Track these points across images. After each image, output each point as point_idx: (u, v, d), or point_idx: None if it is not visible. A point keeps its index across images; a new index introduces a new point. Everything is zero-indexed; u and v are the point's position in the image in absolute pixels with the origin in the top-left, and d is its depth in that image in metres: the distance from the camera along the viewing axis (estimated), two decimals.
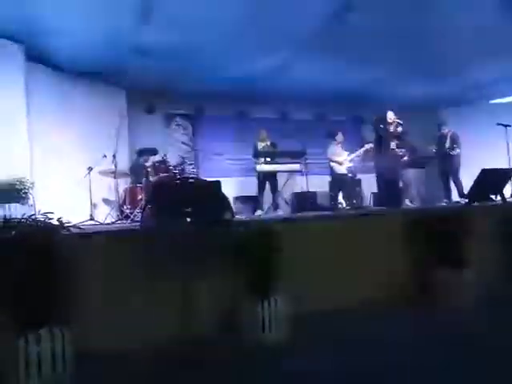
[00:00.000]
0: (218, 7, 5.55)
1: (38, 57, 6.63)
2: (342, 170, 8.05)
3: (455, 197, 7.82)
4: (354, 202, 8.32)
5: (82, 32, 6.07)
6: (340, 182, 8.11)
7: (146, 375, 2.86)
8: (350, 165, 8.27)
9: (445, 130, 8.04)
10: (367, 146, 8.15)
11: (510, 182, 5.98)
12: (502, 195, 5.77)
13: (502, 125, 6.97)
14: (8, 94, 5.93)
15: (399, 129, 6.51)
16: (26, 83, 6.28)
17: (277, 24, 6.10)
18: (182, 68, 7.62)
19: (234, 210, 8.36)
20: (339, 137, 8.24)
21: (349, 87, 8.99)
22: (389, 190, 6.35)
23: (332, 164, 8.08)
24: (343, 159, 8.08)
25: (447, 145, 7.87)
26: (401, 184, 7.00)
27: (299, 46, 6.84)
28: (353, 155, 8.26)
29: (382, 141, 6.59)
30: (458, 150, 7.78)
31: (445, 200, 7.62)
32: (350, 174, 8.41)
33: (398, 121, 6.55)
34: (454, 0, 5.76)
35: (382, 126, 6.58)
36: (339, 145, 8.23)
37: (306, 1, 5.57)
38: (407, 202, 7.46)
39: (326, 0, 5.57)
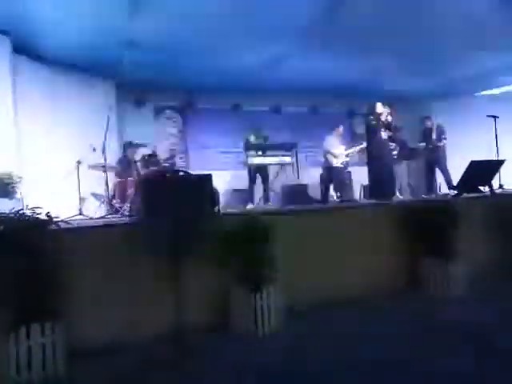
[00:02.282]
0: None
1: (25, 49, 6.52)
2: (336, 162, 8.07)
3: (444, 189, 7.90)
4: (344, 194, 8.36)
5: (70, 24, 5.97)
6: (332, 174, 8.13)
7: (138, 368, 2.86)
8: (347, 159, 8.28)
9: (428, 124, 8.08)
10: (363, 146, 8.17)
11: (498, 174, 6.05)
12: (491, 186, 5.84)
13: (492, 116, 7.00)
14: None
15: (389, 118, 6.52)
16: (13, 76, 6.19)
17: (269, 17, 6.06)
18: (171, 61, 7.54)
19: (228, 202, 8.43)
20: (339, 130, 8.28)
21: (340, 80, 8.99)
22: (380, 181, 6.38)
23: (328, 156, 8.09)
24: (339, 152, 8.10)
25: (433, 137, 7.92)
26: (392, 176, 7.04)
27: (292, 39, 6.81)
28: (350, 150, 8.27)
29: (372, 132, 6.61)
30: (444, 141, 7.84)
31: (426, 192, 7.67)
32: (342, 166, 8.45)
33: (387, 110, 6.57)
34: None
35: (371, 117, 6.59)
36: (338, 138, 8.26)
37: None
38: (397, 193, 7.50)
39: None
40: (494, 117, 6.99)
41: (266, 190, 7.74)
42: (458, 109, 10.19)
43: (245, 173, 7.83)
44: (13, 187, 5.37)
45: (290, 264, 3.67)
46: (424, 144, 8.02)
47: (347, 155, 8.26)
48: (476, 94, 10.87)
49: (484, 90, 10.69)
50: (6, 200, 5.25)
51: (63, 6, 5.49)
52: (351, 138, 10.31)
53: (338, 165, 8.08)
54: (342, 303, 3.77)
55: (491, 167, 5.92)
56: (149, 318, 3.33)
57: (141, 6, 5.50)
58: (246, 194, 7.83)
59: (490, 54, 8.05)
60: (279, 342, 3.20)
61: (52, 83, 7.09)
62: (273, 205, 7.47)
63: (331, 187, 8.31)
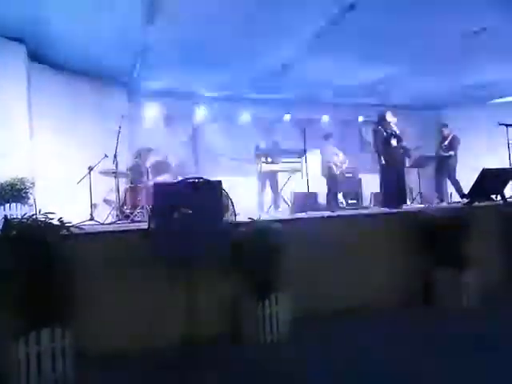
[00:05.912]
0: (220, 6, 5.55)
1: (41, 56, 6.65)
2: (337, 170, 8.14)
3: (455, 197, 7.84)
4: (355, 201, 8.35)
5: (84, 32, 6.08)
6: (339, 182, 8.15)
7: (146, 375, 2.86)
8: (342, 168, 8.38)
9: (445, 132, 8.07)
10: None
11: (510, 182, 5.97)
12: (503, 195, 5.76)
13: (504, 124, 6.92)
14: (10, 94, 5.94)
15: (395, 128, 6.54)
16: (29, 83, 6.30)
17: (279, 23, 6.11)
18: (183, 69, 7.62)
19: (238, 208, 8.43)
20: (332, 139, 8.49)
21: (351, 87, 8.99)
22: (392, 190, 6.34)
23: (329, 164, 8.14)
24: (339, 160, 8.18)
25: (444, 145, 7.90)
26: (403, 184, 7.00)
27: (301, 45, 6.84)
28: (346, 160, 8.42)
29: (383, 140, 6.58)
30: (451, 152, 7.84)
31: (437, 200, 7.61)
32: (349, 174, 8.47)
33: (394, 120, 6.59)
34: (455, 1, 5.77)
35: (381, 126, 6.57)
36: (333, 146, 8.37)
37: (308, 0, 5.58)
38: (408, 201, 7.45)
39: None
40: (507, 125, 6.91)
41: (275, 197, 7.73)
42: (470, 116, 10.11)
43: (255, 179, 7.84)
44: (25, 192, 5.43)
45: (300, 273, 3.66)
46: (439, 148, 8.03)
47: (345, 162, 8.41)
48: (488, 102, 10.78)
49: (497, 98, 10.61)
50: (18, 205, 5.32)
51: (77, 15, 5.58)
52: (361, 145, 10.30)
53: (339, 172, 8.16)
54: (353, 313, 3.74)
55: (503, 175, 5.85)
56: (160, 324, 3.33)
57: (154, 16, 5.57)
58: (257, 201, 7.82)
59: (504, 62, 8.00)
60: (289, 350, 3.18)
61: (65, 90, 7.20)
62: (283, 212, 7.45)
63: (339, 194, 8.34)
